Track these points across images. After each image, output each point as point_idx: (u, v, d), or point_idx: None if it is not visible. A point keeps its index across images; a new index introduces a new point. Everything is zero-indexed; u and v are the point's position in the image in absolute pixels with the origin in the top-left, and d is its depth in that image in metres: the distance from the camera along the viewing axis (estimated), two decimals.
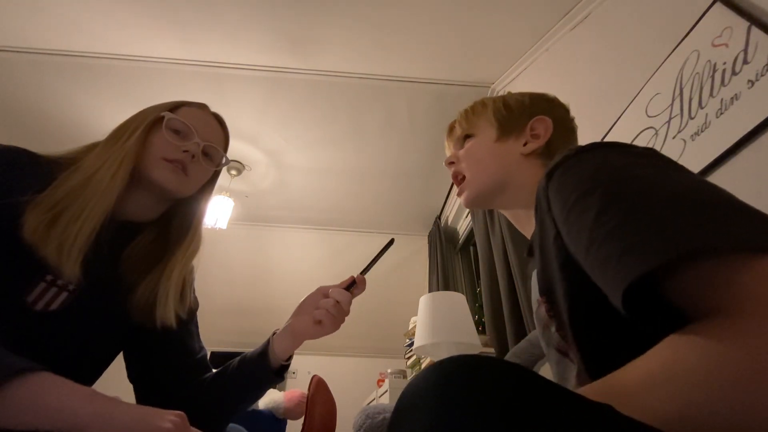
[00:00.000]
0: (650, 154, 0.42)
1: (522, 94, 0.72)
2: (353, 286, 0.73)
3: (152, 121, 0.74)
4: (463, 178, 0.70)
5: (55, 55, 2.08)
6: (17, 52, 2.07)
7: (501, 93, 0.81)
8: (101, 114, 2.42)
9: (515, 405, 0.24)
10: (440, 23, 1.89)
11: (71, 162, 0.68)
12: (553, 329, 0.48)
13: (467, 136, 0.72)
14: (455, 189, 0.74)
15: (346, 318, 0.72)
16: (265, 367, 0.73)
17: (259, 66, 2.16)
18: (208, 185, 0.84)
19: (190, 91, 2.27)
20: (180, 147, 0.73)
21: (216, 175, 0.86)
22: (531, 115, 0.68)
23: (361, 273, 0.74)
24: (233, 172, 2.87)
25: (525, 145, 0.66)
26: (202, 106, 0.83)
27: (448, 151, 0.78)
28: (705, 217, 0.31)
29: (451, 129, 0.76)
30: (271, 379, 0.74)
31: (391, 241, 0.76)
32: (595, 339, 0.40)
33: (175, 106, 0.78)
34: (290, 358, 0.75)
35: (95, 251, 0.65)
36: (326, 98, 2.34)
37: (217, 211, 2.80)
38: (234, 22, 1.92)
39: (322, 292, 0.73)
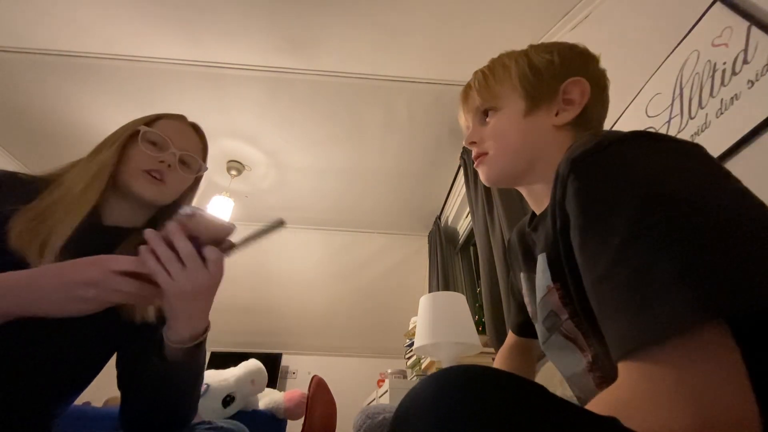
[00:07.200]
0: (695, 154, 0.38)
1: (550, 49, 0.60)
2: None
3: (129, 135, 0.80)
4: (485, 153, 0.62)
5: (55, 56, 2.08)
6: (18, 52, 2.06)
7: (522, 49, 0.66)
8: (102, 114, 2.42)
9: (514, 418, 0.23)
10: (440, 23, 1.89)
11: (56, 178, 0.75)
12: (564, 317, 0.48)
13: (489, 109, 0.63)
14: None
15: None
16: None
17: (259, 66, 2.15)
18: (189, 192, 0.91)
19: (191, 91, 2.26)
20: (157, 158, 0.79)
21: (197, 182, 0.92)
22: (563, 76, 0.58)
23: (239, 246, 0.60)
24: (233, 172, 2.86)
25: (557, 114, 0.57)
26: (179, 117, 0.89)
27: (463, 121, 0.69)
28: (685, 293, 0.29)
29: (467, 95, 0.67)
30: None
31: (280, 222, 0.58)
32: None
33: (153, 119, 0.84)
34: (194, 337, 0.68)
35: (82, 255, 0.69)
36: (326, 98, 2.34)
37: (217, 211, 2.79)
38: (234, 22, 1.92)
39: None
